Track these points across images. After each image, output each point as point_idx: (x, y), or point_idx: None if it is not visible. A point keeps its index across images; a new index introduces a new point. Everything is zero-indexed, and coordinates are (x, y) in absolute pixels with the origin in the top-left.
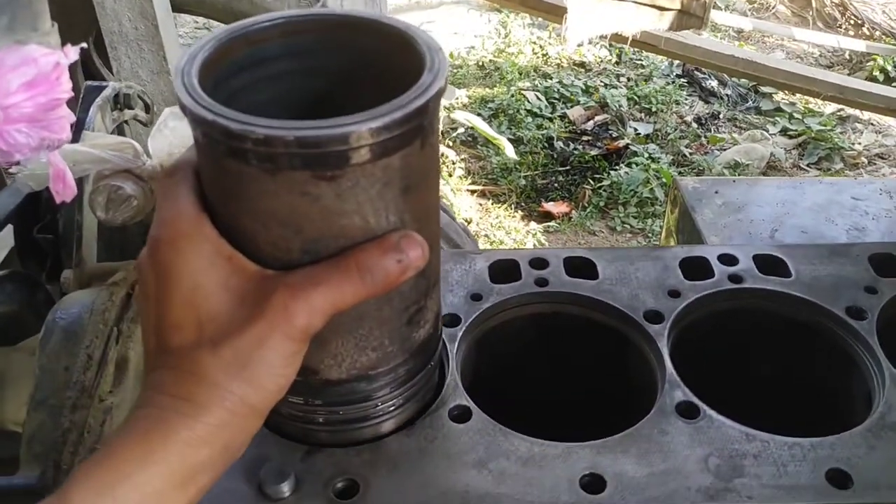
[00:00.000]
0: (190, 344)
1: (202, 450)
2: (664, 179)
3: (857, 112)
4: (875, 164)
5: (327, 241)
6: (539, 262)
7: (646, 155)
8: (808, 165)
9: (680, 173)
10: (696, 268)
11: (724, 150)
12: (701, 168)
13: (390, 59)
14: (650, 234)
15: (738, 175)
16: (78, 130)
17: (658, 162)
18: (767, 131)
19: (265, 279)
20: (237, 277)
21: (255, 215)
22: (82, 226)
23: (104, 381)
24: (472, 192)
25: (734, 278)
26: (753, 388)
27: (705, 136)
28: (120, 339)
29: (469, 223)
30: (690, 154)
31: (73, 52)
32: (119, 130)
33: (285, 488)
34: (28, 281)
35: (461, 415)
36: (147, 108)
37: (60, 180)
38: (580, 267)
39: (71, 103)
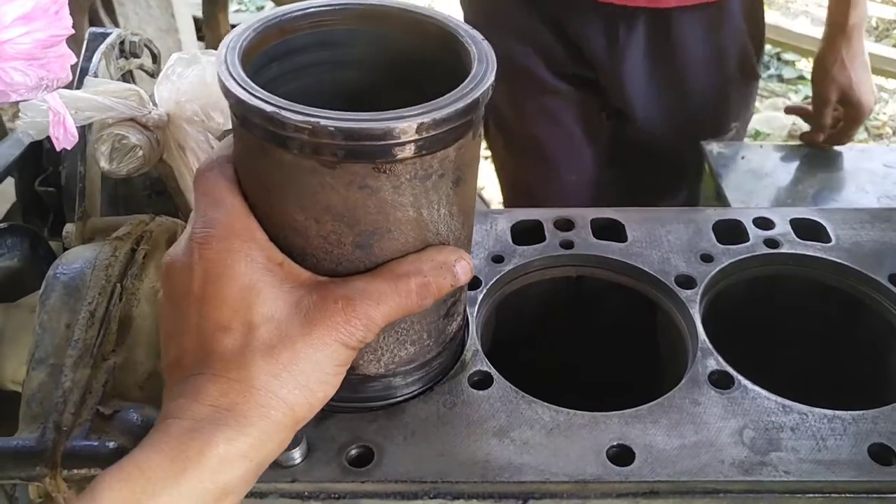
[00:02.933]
0: (239, 348)
1: (239, 466)
2: None
3: (882, 80)
4: None
5: (381, 233)
6: (564, 223)
7: None
8: None
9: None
10: (730, 231)
11: None
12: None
13: (424, 50)
14: None
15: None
16: (81, 78)
17: None
18: (790, 100)
19: (322, 286)
20: (290, 283)
21: (308, 209)
22: (85, 177)
23: (107, 340)
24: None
25: (770, 243)
26: (790, 358)
27: None
28: (123, 296)
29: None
30: None
31: None
32: (124, 79)
33: (297, 455)
34: (29, 234)
35: (482, 381)
36: (154, 58)
37: (60, 125)
38: (608, 228)
39: (71, 43)
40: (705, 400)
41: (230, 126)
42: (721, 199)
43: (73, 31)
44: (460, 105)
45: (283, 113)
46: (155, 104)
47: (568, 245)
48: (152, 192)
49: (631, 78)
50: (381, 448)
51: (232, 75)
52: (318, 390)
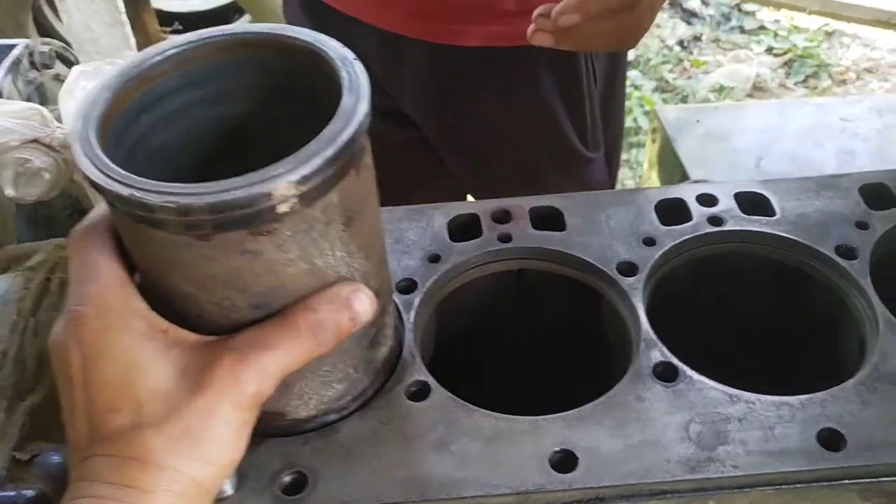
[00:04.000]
0: (129, 426)
1: None
2: (647, 107)
3: (843, 26)
4: (863, 78)
5: (276, 291)
6: (502, 215)
7: (627, 82)
8: (794, 84)
9: (664, 100)
10: (672, 211)
11: (709, 73)
12: (685, 93)
13: (298, 74)
14: (635, 165)
15: (724, 98)
16: None
17: (640, 89)
18: (752, 51)
19: (207, 346)
20: (176, 349)
21: (194, 281)
22: None
23: (23, 379)
24: None
25: (714, 220)
26: (739, 341)
27: (688, 60)
28: (39, 331)
29: None
30: (674, 79)
31: None
32: (40, 93)
33: (227, 487)
34: None
35: (419, 391)
36: (71, 66)
37: None
38: (547, 217)
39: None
40: (650, 395)
41: None
42: (678, 167)
43: None
44: (331, 152)
45: (142, 195)
46: (59, 121)
47: (506, 238)
48: (74, 210)
49: (418, 112)
50: (316, 472)
51: (86, 154)
52: (220, 459)
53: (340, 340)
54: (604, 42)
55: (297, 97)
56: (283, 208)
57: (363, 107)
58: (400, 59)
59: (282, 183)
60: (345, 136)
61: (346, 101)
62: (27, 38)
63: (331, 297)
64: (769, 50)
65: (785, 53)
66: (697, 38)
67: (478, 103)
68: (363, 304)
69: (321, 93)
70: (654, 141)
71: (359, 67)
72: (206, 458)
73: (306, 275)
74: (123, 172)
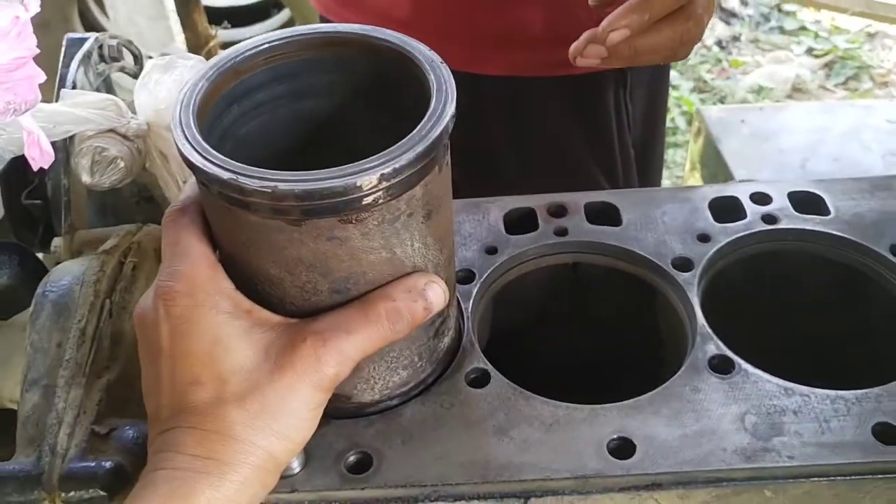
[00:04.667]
0: (212, 400)
1: None
2: (685, 107)
3: (885, 27)
4: None
5: (356, 277)
6: (557, 209)
7: None
8: (835, 86)
9: (701, 100)
10: (726, 208)
11: (747, 73)
12: (723, 94)
13: (383, 75)
14: (672, 165)
15: (763, 99)
16: (62, 85)
17: (678, 89)
18: (792, 52)
19: (290, 328)
20: (259, 329)
21: (280, 263)
22: (70, 189)
23: (99, 357)
24: None
25: (768, 219)
26: (792, 338)
27: (727, 60)
28: (113, 312)
29: None
30: (712, 79)
31: (34, 4)
32: (107, 85)
33: (295, 464)
34: (18, 251)
35: (479, 378)
36: (136, 59)
37: (35, 146)
38: (602, 212)
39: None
40: (705, 386)
41: None
42: (722, 167)
43: (37, 52)
44: (420, 148)
45: (241, 179)
46: (134, 112)
47: (562, 232)
48: (141, 198)
49: None
50: (380, 453)
51: (187, 138)
52: (295, 435)
53: (414, 328)
54: (655, 55)
55: (379, 97)
56: (371, 199)
57: (451, 108)
58: None
59: (374, 175)
60: (434, 135)
61: (435, 101)
62: (73, 31)
63: (408, 286)
64: (809, 51)
65: (825, 55)
66: (736, 39)
67: (491, 133)
68: (437, 294)
69: (404, 93)
70: (696, 142)
71: (446, 70)
72: (283, 433)
73: (385, 263)
74: (222, 157)
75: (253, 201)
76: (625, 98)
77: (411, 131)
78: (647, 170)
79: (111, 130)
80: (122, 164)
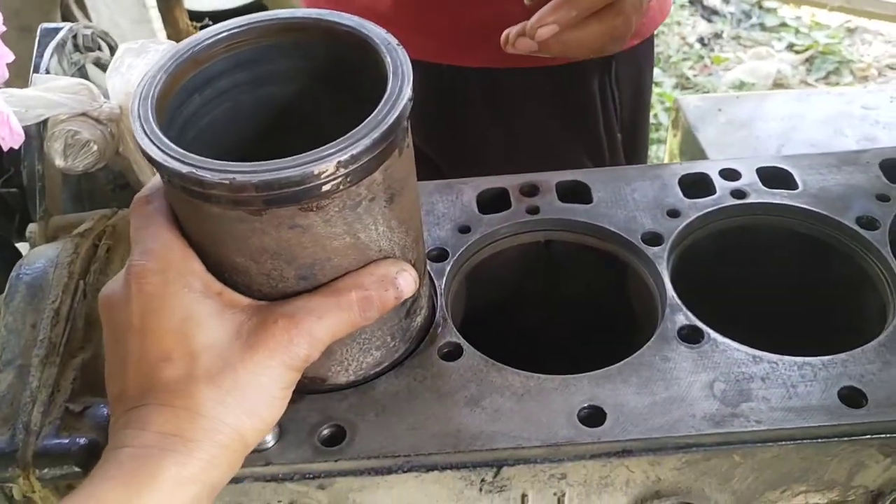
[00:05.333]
0: (182, 376)
1: (191, 489)
2: (668, 104)
3: (864, 22)
4: (885, 75)
5: (321, 263)
6: (530, 189)
7: None
8: (815, 81)
9: (673, 103)
10: (696, 185)
11: (729, 69)
12: (706, 89)
13: (341, 58)
14: (655, 160)
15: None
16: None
17: (661, 85)
18: (773, 48)
19: (261, 309)
20: (230, 310)
21: (245, 253)
22: (44, 175)
23: (73, 337)
24: None
25: (737, 193)
26: (760, 309)
27: (709, 57)
28: (88, 293)
29: None
30: (694, 76)
31: None
32: (82, 74)
33: (269, 438)
34: None
35: (451, 352)
36: (112, 51)
37: (5, 125)
38: (573, 191)
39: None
40: (675, 356)
41: None
42: (700, 155)
43: (3, 29)
44: (377, 134)
45: (200, 172)
46: (106, 97)
47: (534, 210)
48: (116, 185)
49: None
50: (353, 426)
51: (145, 132)
52: (266, 415)
53: (383, 314)
54: (584, 49)
55: (339, 80)
56: (330, 186)
57: (407, 91)
58: None
59: (331, 162)
60: (391, 119)
61: (391, 85)
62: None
63: (380, 275)
64: (790, 47)
65: (806, 50)
66: (718, 36)
67: (475, 123)
68: (407, 282)
69: (363, 76)
70: (675, 134)
71: (402, 53)
72: (253, 412)
73: (350, 248)
74: (181, 151)
75: (213, 193)
76: (610, 83)
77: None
78: (633, 152)
79: (83, 114)
80: (94, 148)
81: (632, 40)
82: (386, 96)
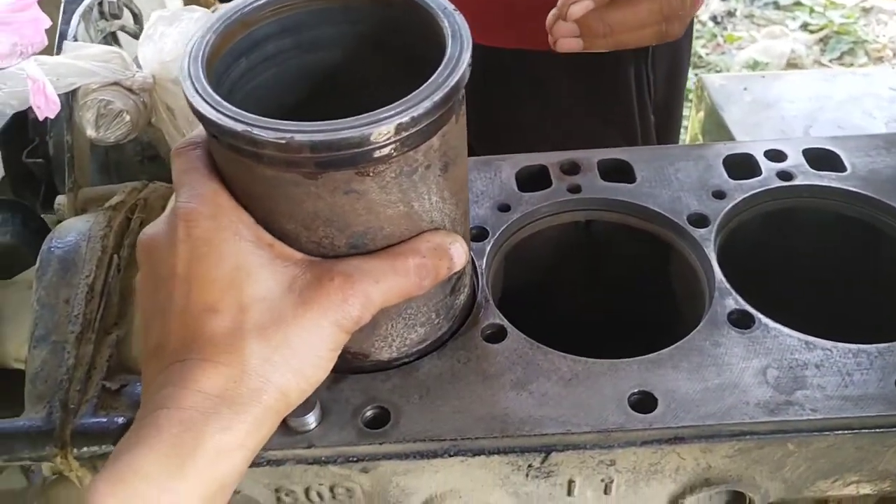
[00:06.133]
0: (228, 330)
1: (235, 456)
2: None
3: (880, 2)
4: None
5: (373, 232)
6: (570, 167)
7: None
8: (830, 61)
9: (696, 75)
10: (740, 165)
11: (742, 48)
12: (718, 69)
13: (392, 25)
14: None
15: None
16: (61, 42)
17: None
18: (787, 27)
19: (314, 265)
20: (282, 263)
21: (297, 218)
22: (73, 147)
23: (108, 313)
24: None
25: (784, 175)
26: (809, 293)
27: (722, 35)
28: (121, 267)
29: None
30: (707, 55)
31: None
32: (105, 42)
33: (311, 419)
34: (20, 209)
35: (495, 334)
36: (136, 18)
37: (41, 94)
38: (615, 169)
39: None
40: (726, 341)
41: None
42: (725, 135)
43: None
44: (438, 97)
45: (255, 131)
46: (139, 66)
47: (575, 189)
48: (144, 157)
49: None
50: (397, 408)
51: (198, 91)
52: (311, 375)
53: (435, 285)
54: (637, 33)
55: (389, 46)
56: (388, 150)
57: (467, 55)
58: None
59: (392, 124)
60: (451, 82)
61: (451, 48)
62: None
63: (435, 244)
64: (804, 26)
65: (820, 30)
66: (731, 14)
67: (508, 103)
68: (460, 254)
69: (414, 42)
70: (698, 111)
71: (460, 18)
72: (299, 371)
73: (403, 217)
74: (235, 109)
75: (267, 154)
76: (646, 69)
77: (423, 82)
78: (666, 134)
79: (116, 83)
80: (127, 118)
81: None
82: (446, 60)
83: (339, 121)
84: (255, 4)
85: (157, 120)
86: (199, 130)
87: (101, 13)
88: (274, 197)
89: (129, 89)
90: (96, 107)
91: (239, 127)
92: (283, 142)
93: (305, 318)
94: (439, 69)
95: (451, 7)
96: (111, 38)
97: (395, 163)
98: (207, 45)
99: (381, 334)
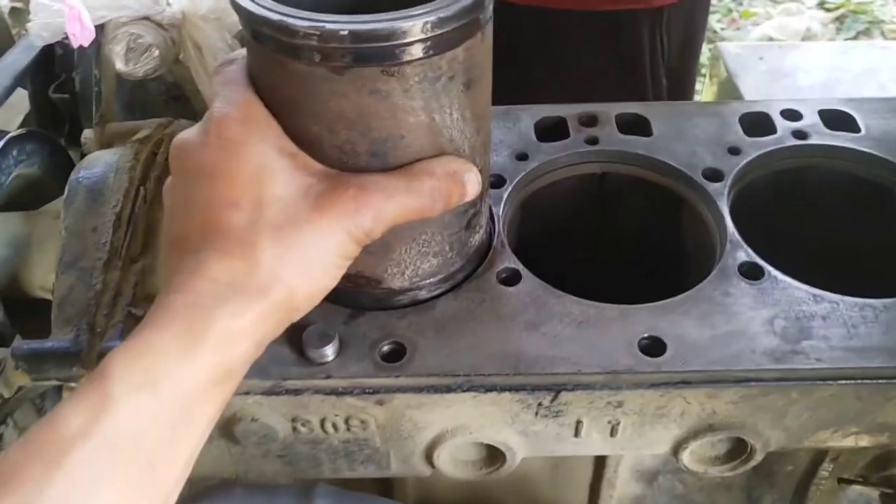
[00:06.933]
0: (246, 224)
1: (242, 342)
2: None
3: None
4: None
5: (395, 140)
6: (589, 119)
7: None
8: (845, 40)
9: (710, 51)
10: (757, 123)
11: (758, 24)
12: None
13: None
14: None
15: None
16: None
17: None
18: (804, 4)
19: (333, 175)
20: (302, 171)
21: (322, 119)
22: (101, 81)
23: (134, 243)
24: None
25: (798, 134)
26: (821, 249)
27: (738, 11)
28: (148, 198)
29: None
30: (722, 30)
31: None
32: None
33: (329, 351)
34: (48, 141)
35: (510, 277)
36: None
37: (76, 21)
38: (633, 123)
39: None
40: (735, 291)
41: None
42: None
43: None
44: (466, 2)
45: (290, 20)
46: (168, 2)
47: (593, 141)
48: (168, 97)
49: None
50: (413, 343)
51: None
52: (319, 278)
53: (447, 210)
54: None
55: None
56: (416, 49)
57: None
58: None
59: (418, 22)
60: None
61: None
62: None
63: (449, 168)
64: (821, 4)
65: (837, 8)
66: None
67: (524, 59)
68: (472, 183)
69: None
70: (713, 79)
71: None
72: (308, 273)
73: (424, 128)
74: (272, 1)
75: (300, 44)
76: (660, 32)
77: None
78: (679, 98)
79: (146, 18)
80: (156, 53)
81: None
82: None
83: (369, 15)
84: None
85: (185, 57)
86: (239, 51)
87: None
88: (303, 95)
89: (159, 24)
90: (126, 40)
91: (274, 16)
92: (316, 31)
93: (319, 223)
94: None
95: None
96: None
97: (419, 65)
98: None
99: (395, 259)
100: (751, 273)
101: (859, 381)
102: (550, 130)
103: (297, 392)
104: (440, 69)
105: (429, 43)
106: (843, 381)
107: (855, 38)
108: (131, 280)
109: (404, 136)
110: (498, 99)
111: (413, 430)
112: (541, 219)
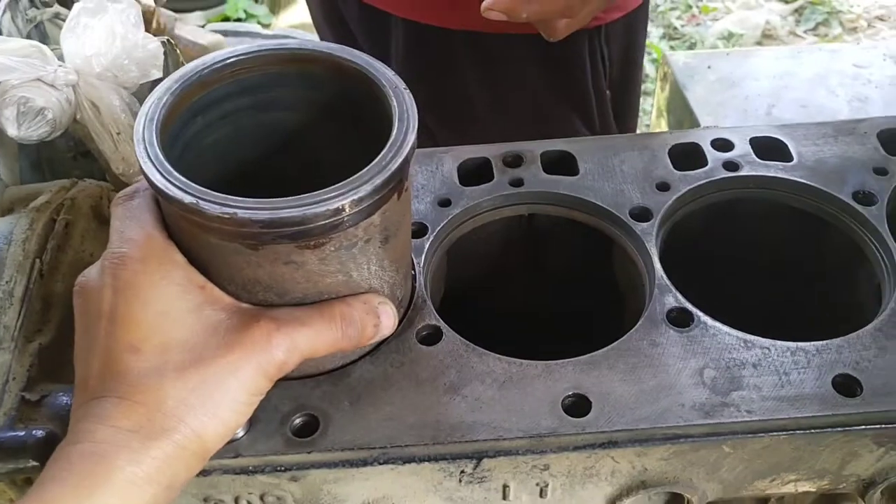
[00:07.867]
0: (147, 370)
1: (147, 489)
2: (655, 55)
3: None
4: (874, 26)
5: (312, 298)
6: (513, 159)
7: None
8: (804, 32)
9: (671, 47)
10: (687, 155)
11: (717, 20)
12: (693, 41)
13: (346, 93)
14: (641, 113)
15: (733, 46)
16: None
17: (648, 36)
18: None
19: (243, 310)
20: (211, 307)
21: (236, 282)
22: None
23: (29, 321)
24: None
25: (729, 165)
26: (753, 287)
27: (697, 6)
28: (44, 272)
29: None
30: (682, 26)
31: None
32: (39, 32)
33: (239, 429)
34: None
35: (430, 336)
36: (71, 5)
37: None
38: (559, 161)
39: None
40: (664, 340)
41: (145, 79)
42: (688, 114)
43: None
44: (380, 180)
45: (202, 204)
46: (62, 60)
47: (518, 182)
48: (77, 153)
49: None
50: (327, 415)
51: (150, 158)
52: (229, 419)
53: (360, 345)
54: (555, 8)
55: (342, 113)
56: (330, 227)
57: (412, 137)
58: (386, 31)
59: (333, 205)
60: (394, 166)
61: (396, 131)
62: None
63: (364, 300)
64: None
65: (795, 0)
66: None
67: (462, 82)
68: (388, 317)
69: (366, 113)
70: (663, 89)
71: (408, 97)
72: (215, 414)
73: (342, 284)
74: (185, 180)
75: (214, 226)
76: (600, 44)
77: (374, 146)
78: (623, 110)
79: (37, 79)
80: (50, 115)
81: (621, 10)
82: (391, 142)
83: (283, 199)
84: (214, 66)
85: (82, 117)
86: (142, 183)
87: (31, 1)
88: (217, 262)
89: (52, 85)
90: (16, 104)
91: (187, 199)
92: (228, 217)
93: (226, 360)
94: (383, 151)
95: (401, 85)
96: (43, 28)
97: (335, 238)
98: (164, 107)
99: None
100: (679, 320)
101: (792, 432)
102: (474, 173)
103: (206, 472)
104: (356, 237)
105: (343, 221)
106: (776, 433)
107: (815, 29)
108: (26, 362)
109: (322, 294)
110: (439, 120)
111: (333, 503)
112: (468, 265)
